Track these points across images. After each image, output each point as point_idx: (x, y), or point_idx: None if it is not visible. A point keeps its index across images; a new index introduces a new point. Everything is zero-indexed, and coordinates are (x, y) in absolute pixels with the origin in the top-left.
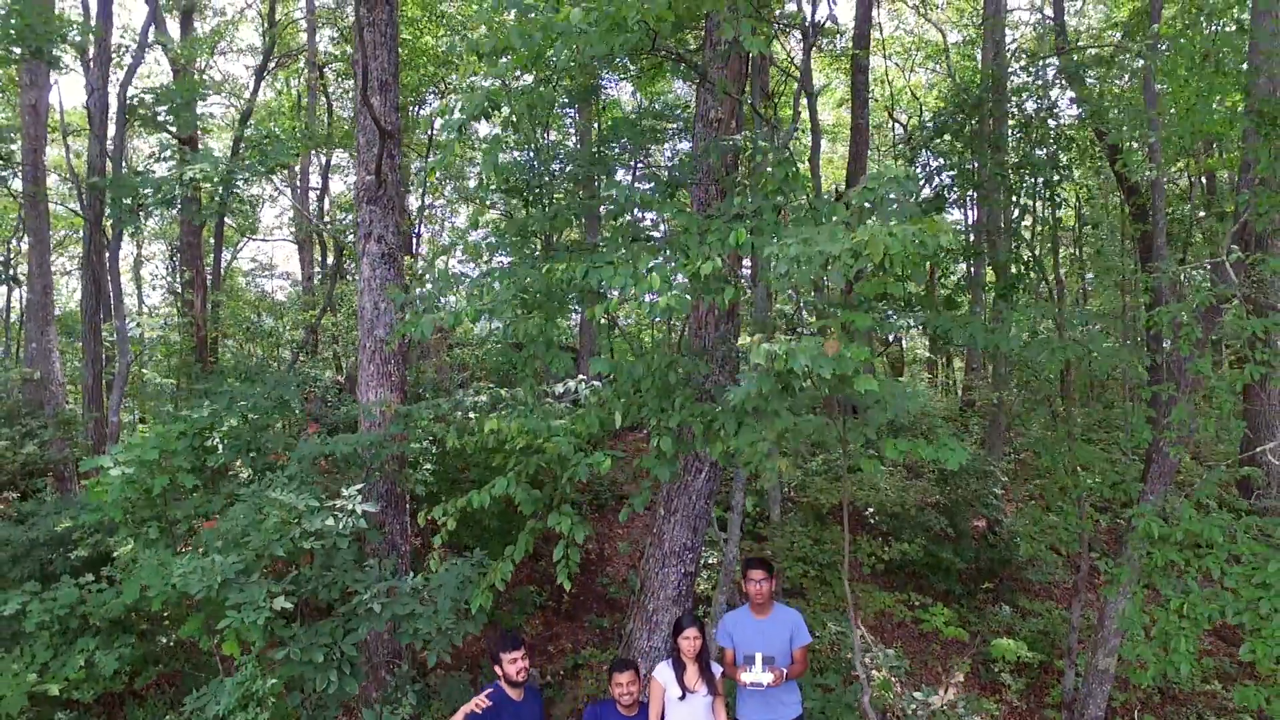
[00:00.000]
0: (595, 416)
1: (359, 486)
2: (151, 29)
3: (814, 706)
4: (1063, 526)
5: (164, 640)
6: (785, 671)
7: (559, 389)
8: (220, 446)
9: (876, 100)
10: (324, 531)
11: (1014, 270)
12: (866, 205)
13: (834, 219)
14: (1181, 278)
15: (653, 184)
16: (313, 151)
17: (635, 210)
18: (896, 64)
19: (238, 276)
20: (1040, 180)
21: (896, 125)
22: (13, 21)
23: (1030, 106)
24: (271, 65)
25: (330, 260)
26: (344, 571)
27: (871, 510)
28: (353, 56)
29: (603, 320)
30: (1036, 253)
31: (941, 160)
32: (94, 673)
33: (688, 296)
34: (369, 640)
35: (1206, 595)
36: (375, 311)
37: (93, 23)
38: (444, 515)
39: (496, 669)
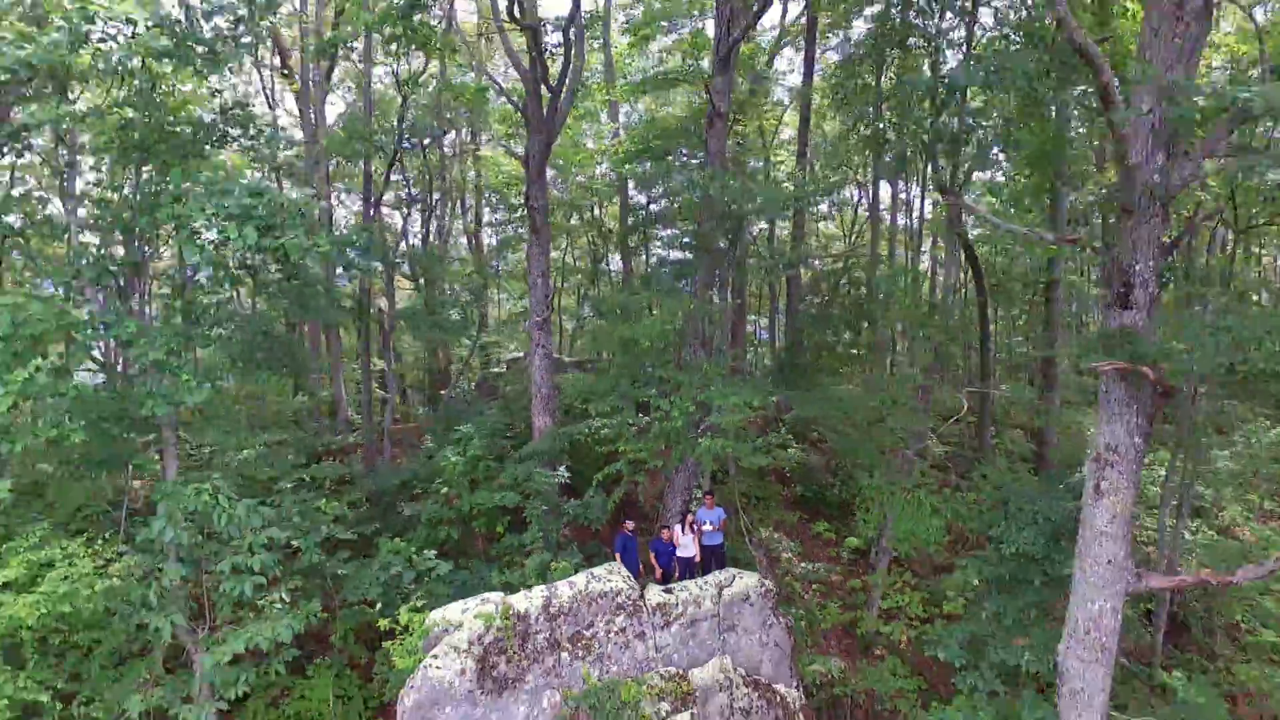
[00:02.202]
0: (653, 442)
1: (563, 467)
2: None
3: (732, 549)
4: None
5: (454, 534)
6: (717, 526)
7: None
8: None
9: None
10: (551, 482)
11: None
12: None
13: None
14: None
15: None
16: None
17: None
18: None
19: None
20: None
21: None
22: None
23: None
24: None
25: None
26: (554, 496)
27: (787, 469)
28: (525, 259)
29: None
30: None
31: None
32: (450, 541)
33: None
34: (547, 521)
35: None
36: (541, 381)
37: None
38: (599, 479)
39: (624, 527)
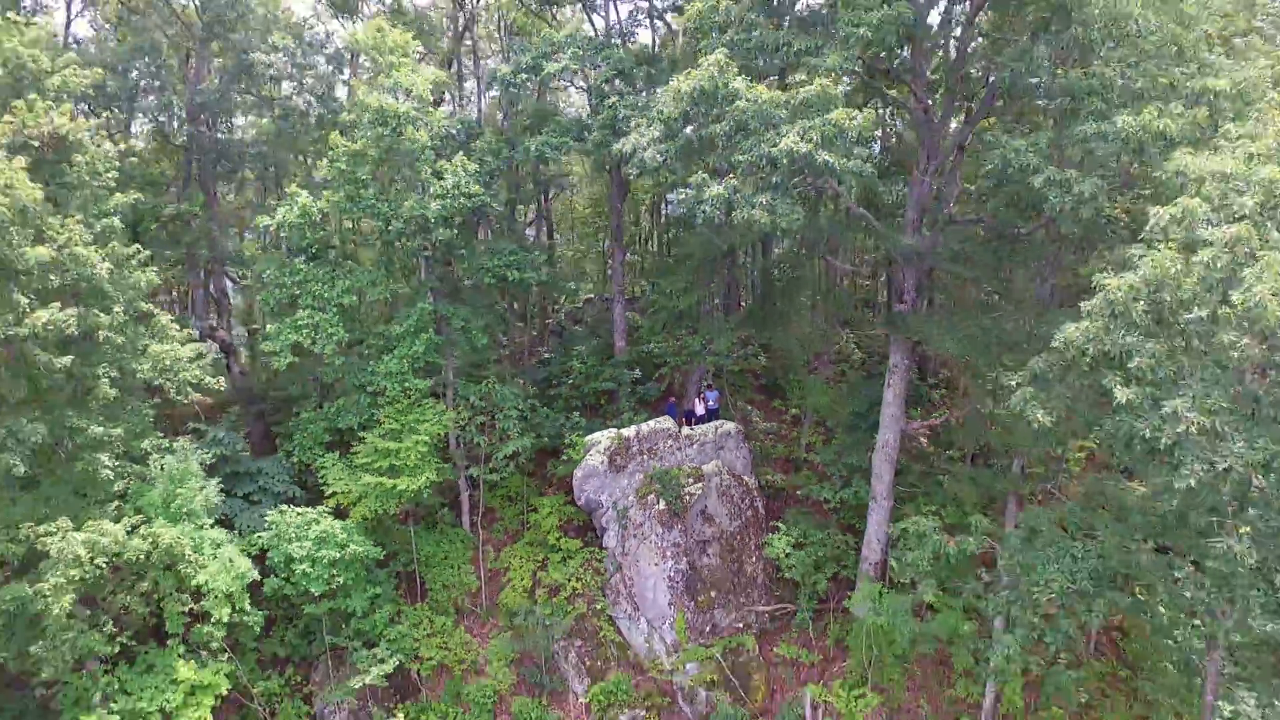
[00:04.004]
0: (683, 357)
1: (636, 369)
2: None
3: (723, 412)
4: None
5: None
6: (714, 401)
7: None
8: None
9: None
10: (629, 377)
11: None
12: None
13: None
14: None
15: None
16: None
17: None
18: None
19: None
20: None
21: None
22: None
23: None
24: None
25: None
26: (630, 385)
27: (757, 369)
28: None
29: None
30: None
31: None
32: (577, 407)
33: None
34: (629, 397)
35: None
36: (619, 319)
37: None
38: (655, 376)
39: (669, 400)
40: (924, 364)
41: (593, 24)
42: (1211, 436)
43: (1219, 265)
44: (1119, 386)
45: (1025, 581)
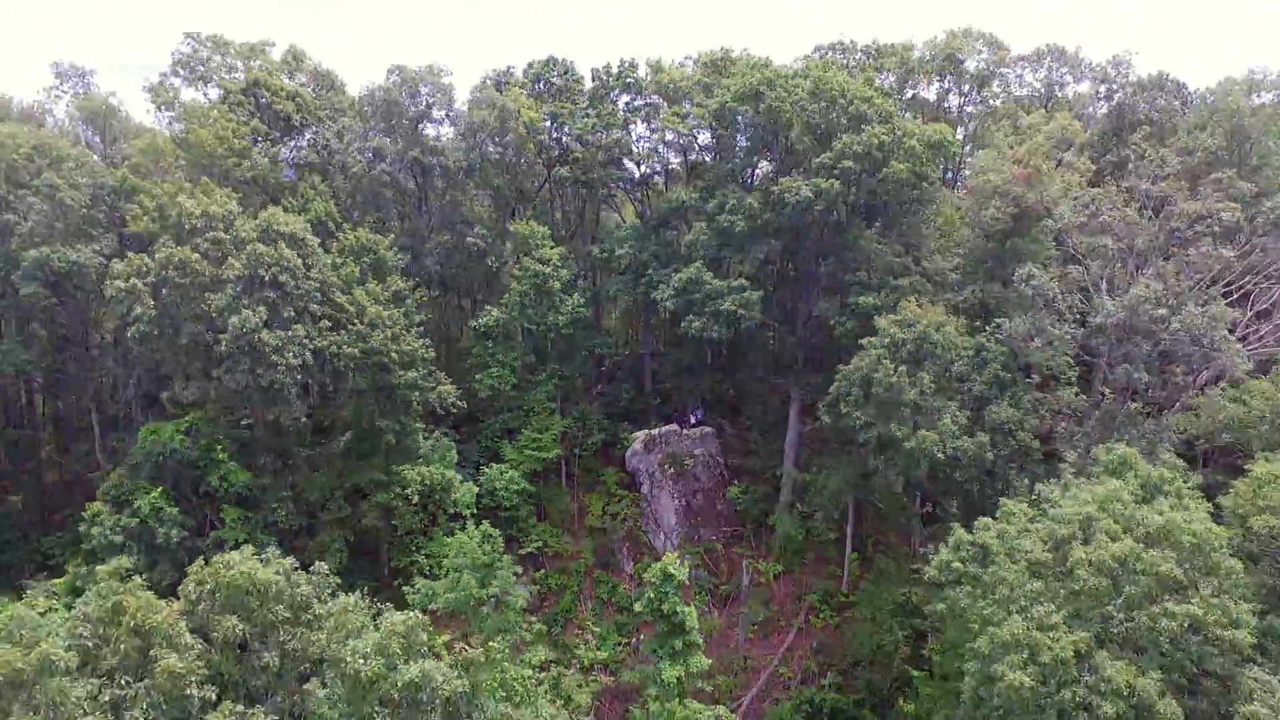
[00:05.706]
0: (685, 394)
1: (658, 398)
2: None
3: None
4: None
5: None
6: (700, 415)
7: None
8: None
9: None
10: (653, 402)
11: None
12: None
13: None
14: None
15: None
16: None
17: None
18: None
19: None
20: None
21: None
22: None
23: None
24: None
25: None
26: (653, 404)
27: (726, 399)
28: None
29: None
30: None
31: None
32: (620, 413)
33: None
34: (651, 412)
35: None
36: (648, 370)
37: None
38: (669, 399)
39: (677, 414)
40: None
41: (635, 206)
42: (885, 420)
43: (879, 359)
44: (849, 409)
45: (823, 489)
